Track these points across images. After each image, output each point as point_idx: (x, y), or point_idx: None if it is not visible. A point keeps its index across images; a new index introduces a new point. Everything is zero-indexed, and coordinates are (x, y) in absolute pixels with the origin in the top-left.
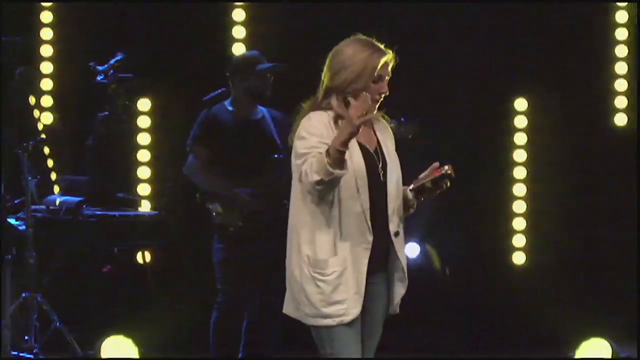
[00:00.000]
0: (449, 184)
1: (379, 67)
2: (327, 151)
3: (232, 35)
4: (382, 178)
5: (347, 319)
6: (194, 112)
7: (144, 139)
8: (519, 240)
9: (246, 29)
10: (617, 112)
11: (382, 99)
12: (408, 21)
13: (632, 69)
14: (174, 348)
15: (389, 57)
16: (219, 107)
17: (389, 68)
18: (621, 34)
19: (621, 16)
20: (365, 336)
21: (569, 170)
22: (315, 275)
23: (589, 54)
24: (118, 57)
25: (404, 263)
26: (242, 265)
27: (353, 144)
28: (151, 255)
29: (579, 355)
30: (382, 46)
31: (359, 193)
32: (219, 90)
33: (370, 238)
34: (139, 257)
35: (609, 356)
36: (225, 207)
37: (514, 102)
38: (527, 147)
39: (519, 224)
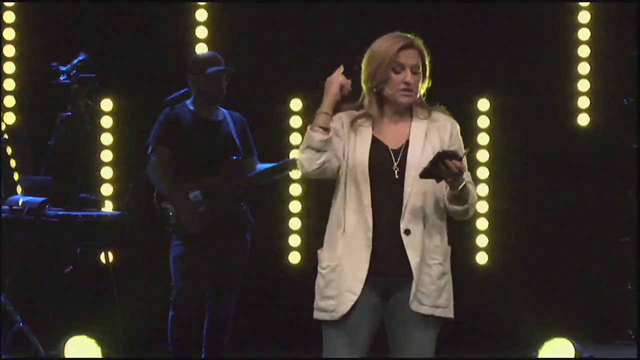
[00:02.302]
0: (459, 165)
1: (398, 56)
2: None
3: (195, 36)
4: (396, 176)
5: (336, 316)
6: (157, 112)
7: (106, 139)
8: (481, 241)
9: (209, 29)
10: (579, 112)
11: (416, 90)
12: (369, 21)
13: (594, 69)
14: (137, 348)
15: (405, 43)
16: (181, 106)
17: (417, 58)
18: (583, 34)
19: (584, 16)
20: (391, 341)
21: (532, 170)
22: (318, 267)
23: (551, 54)
24: (80, 58)
25: (415, 261)
26: (197, 262)
27: (364, 139)
28: (114, 256)
29: (542, 355)
30: (409, 36)
31: (360, 189)
32: (182, 91)
33: (370, 235)
34: (102, 258)
35: (572, 356)
36: (179, 209)
37: (476, 102)
38: (489, 147)
39: (482, 224)
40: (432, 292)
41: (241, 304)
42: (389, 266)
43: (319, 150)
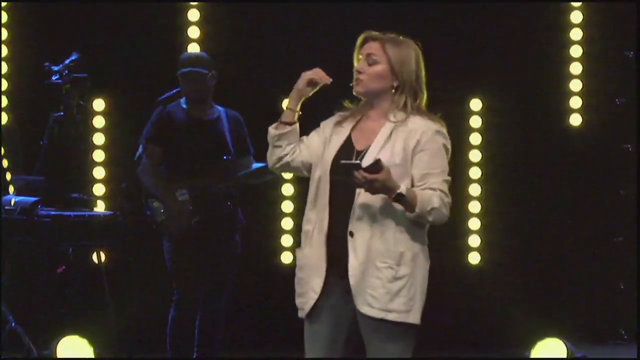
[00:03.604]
0: (363, 176)
1: (361, 49)
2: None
3: (187, 36)
4: None
5: (302, 313)
6: (149, 112)
7: (99, 139)
8: (474, 240)
9: (201, 29)
10: (572, 112)
11: (366, 80)
12: (360, 22)
13: (586, 70)
14: (130, 348)
15: (365, 36)
16: (174, 105)
17: (376, 50)
18: (576, 34)
19: (576, 16)
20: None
21: (524, 170)
22: None
23: (544, 54)
24: (73, 57)
25: (353, 264)
26: (191, 263)
27: (339, 139)
28: (106, 256)
29: (534, 355)
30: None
31: (321, 188)
32: (174, 90)
33: (324, 236)
34: (94, 258)
35: (564, 356)
36: (166, 209)
37: (469, 102)
38: (481, 147)
39: (474, 224)
40: (382, 295)
41: (234, 304)
42: (344, 267)
43: (274, 145)
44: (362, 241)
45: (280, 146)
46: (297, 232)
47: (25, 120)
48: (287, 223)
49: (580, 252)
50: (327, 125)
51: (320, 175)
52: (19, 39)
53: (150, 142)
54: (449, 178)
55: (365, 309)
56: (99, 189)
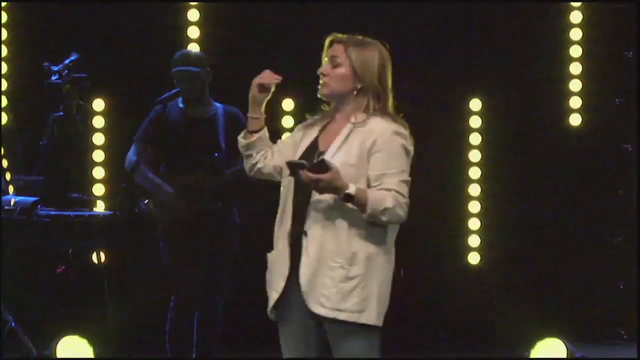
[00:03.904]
0: (307, 176)
1: (327, 52)
2: None
3: (187, 36)
4: None
5: (269, 313)
6: (149, 112)
7: (98, 139)
8: (473, 241)
9: (200, 29)
10: (571, 113)
11: (329, 82)
12: (360, 22)
13: (586, 70)
14: (130, 348)
15: (331, 38)
16: (172, 104)
17: (339, 52)
18: (575, 34)
19: (575, 16)
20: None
21: (524, 170)
22: None
23: (543, 54)
24: (72, 57)
25: (305, 263)
26: (185, 264)
27: (307, 141)
28: (106, 256)
29: (534, 355)
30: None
31: (287, 190)
32: (174, 90)
33: (287, 237)
34: (94, 258)
35: (564, 356)
36: (156, 204)
37: (468, 102)
38: (481, 147)
39: (474, 224)
40: (333, 295)
41: (232, 304)
42: (296, 268)
43: (245, 155)
44: (314, 241)
45: (250, 155)
46: None
47: (24, 120)
48: None
49: (580, 252)
50: (299, 129)
51: (288, 176)
52: (18, 39)
53: (142, 140)
54: (408, 179)
55: (317, 308)
56: (98, 189)
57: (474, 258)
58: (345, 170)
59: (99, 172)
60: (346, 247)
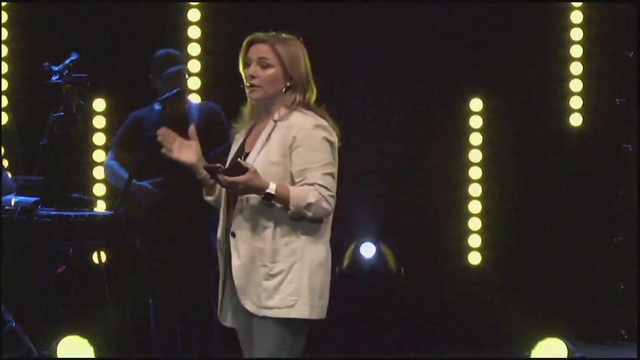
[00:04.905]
0: (222, 179)
1: (248, 51)
2: None
3: (187, 35)
4: None
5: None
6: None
7: (99, 139)
8: (474, 240)
9: (201, 29)
10: (572, 112)
11: (262, 84)
12: (362, 21)
13: (587, 69)
14: (130, 348)
15: (251, 39)
16: (145, 109)
17: (267, 52)
18: (576, 34)
19: (576, 16)
20: None
21: (524, 170)
22: None
23: (544, 54)
24: (73, 57)
25: (236, 265)
26: (163, 265)
27: (236, 144)
28: (106, 255)
29: (535, 355)
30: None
31: (224, 196)
32: (174, 91)
33: (221, 239)
34: (95, 257)
35: (565, 356)
36: (127, 200)
37: (469, 102)
38: (482, 147)
39: (475, 224)
40: (259, 292)
41: None
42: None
43: (209, 202)
44: (242, 241)
45: (214, 200)
46: None
47: (25, 120)
48: None
49: (581, 251)
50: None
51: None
52: (18, 38)
53: (117, 146)
54: (333, 170)
55: (249, 307)
56: (99, 189)
57: (474, 258)
58: (270, 169)
59: (99, 172)
60: (269, 245)
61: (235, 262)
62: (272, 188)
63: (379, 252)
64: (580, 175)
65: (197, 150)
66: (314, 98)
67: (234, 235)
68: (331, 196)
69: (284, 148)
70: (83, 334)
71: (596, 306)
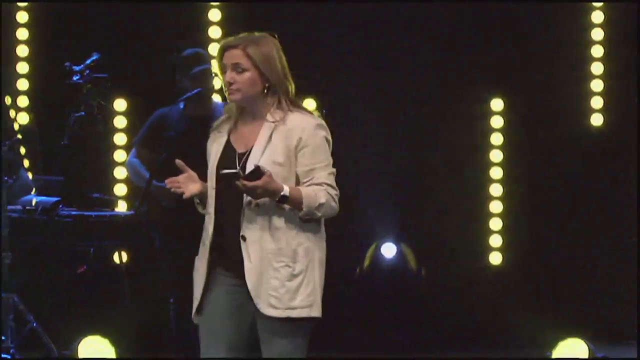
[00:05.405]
0: (243, 184)
1: (222, 57)
2: None
3: (208, 35)
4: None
5: (194, 317)
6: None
7: (120, 139)
8: (495, 241)
9: (222, 29)
10: (593, 113)
11: (240, 88)
12: (384, 22)
13: (607, 70)
14: (151, 348)
15: (224, 44)
16: (170, 108)
17: (239, 58)
18: (597, 34)
19: (597, 16)
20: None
21: (545, 170)
22: None
23: (565, 54)
24: (94, 57)
25: (248, 268)
26: (179, 263)
27: (219, 145)
28: (127, 256)
29: (556, 356)
30: (240, 36)
31: (209, 195)
32: (195, 91)
33: (208, 242)
34: (115, 257)
35: (586, 356)
36: (148, 200)
37: (490, 102)
38: (503, 147)
39: (496, 224)
40: (283, 295)
41: None
42: (234, 273)
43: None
44: (254, 244)
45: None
46: None
47: (45, 120)
48: None
49: (601, 252)
50: (208, 144)
51: (209, 182)
52: (39, 39)
53: (140, 145)
54: (334, 170)
55: (269, 311)
56: (120, 189)
57: (495, 258)
58: (275, 170)
59: (120, 172)
60: (286, 246)
61: (248, 265)
62: (286, 190)
63: (399, 253)
64: (601, 176)
65: (196, 177)
66: (293, 91)
67: (244, 238)
68: (336, 195)
69: (288, 149)
70: (104, 334)
71: (617, 306)
